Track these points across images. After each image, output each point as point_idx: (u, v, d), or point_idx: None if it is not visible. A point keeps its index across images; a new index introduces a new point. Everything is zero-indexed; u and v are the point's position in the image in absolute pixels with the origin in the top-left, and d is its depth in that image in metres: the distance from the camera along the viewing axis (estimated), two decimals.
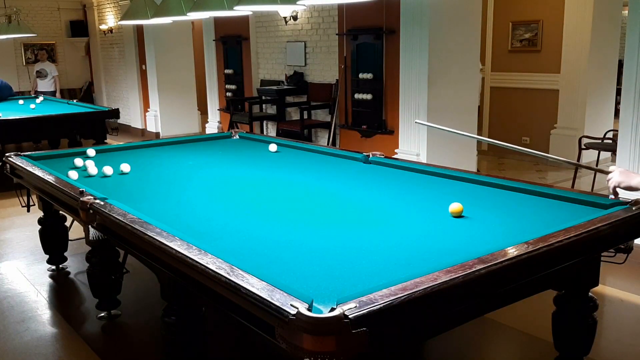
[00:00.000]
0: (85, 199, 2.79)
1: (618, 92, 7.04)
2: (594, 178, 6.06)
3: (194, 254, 2.02)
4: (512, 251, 2.01)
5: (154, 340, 3.13)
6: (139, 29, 10.48)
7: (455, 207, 2.54)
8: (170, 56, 10.20)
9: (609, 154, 6.35)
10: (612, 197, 2.44)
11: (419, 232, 2.44)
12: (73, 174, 3.44)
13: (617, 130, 4.95)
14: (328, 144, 7.24)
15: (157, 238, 2.22)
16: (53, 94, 10.50)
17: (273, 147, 4.25)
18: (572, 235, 2.17)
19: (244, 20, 8.35)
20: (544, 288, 2.38)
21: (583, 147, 5.95)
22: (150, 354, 3.10)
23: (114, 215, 2.56)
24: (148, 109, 10.72)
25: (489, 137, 8.24)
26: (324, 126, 7.48)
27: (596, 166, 6.09)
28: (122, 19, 5.39)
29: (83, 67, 13.22)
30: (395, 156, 5.40)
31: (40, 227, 4.21)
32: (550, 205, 2.69)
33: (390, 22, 6.27)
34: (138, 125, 11.19)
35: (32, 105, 8.11)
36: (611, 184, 2.40)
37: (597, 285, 2.61)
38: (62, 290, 4.07)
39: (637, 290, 3.78)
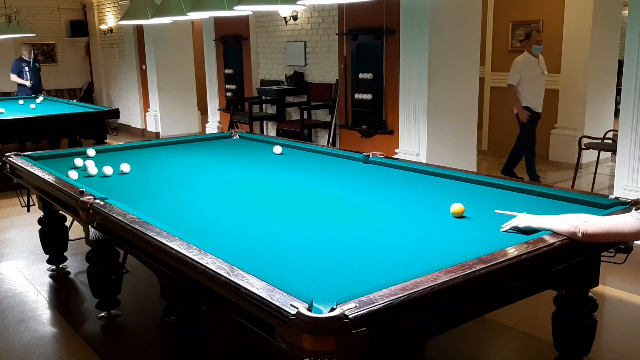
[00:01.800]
0: (85, 199, 2.79)
1: (618, 92, 7.04)
2: (594, 178, 6.07)
3: (194, 254, 2.02)
4: (512, 251, 2.01)
5: (154, 340, 3.13)
6: (139, 29, 10.48)
7: (456, 207, 2.54)
8: (170, 56, 10.19)
9: (609, 154, 6.35)
10: (503, 228, 2.38)
11: (419, 232, 2.44)
12: (73, 174, 3.44)
13: (617, 130, 4.95)
14: (328, 144, 7.24)
15: (157, 238, 2.22)
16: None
17: (278, 149, 4.24)
18: None
19: (244, 20, 8.35)
20: (544, 288, 2.38)
21: (583, 147, 5.95)
22: (150, 354, 3.10)
23: (113, 215, 2.56)
24: (148, 109, 10.72)
25: (488, 137, 8.28)
26: (324, 126, 7.48)
27: (596, 166, 6.12)
28: (122, 19, 5.39)
29: (83, 67, 13.21)
30: (395, 156, 5.40)
31: (40, 227, 4.21)
32: (550, 205, 2.69)
33: (390, 22, 6.27)
34: (138, 125, 11.19)
35: (32, 105, 8.11)
36: (513, 222, 2.35)
37: (597, 285, 2.61)
38: (62, 290, 4.07)
39: (637, 290, 3.78)
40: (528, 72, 6.23)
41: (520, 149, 6.49)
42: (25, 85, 9.90)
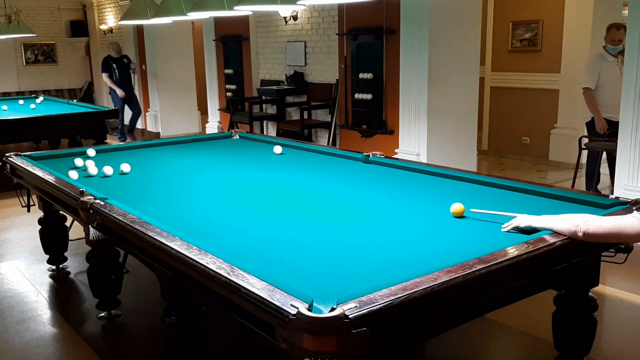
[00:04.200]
0: (85, 199, 2.79)
1: None
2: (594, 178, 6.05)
3: (194, 254, 2.02)
4: (512, 251, 2.01)
5: (154, 340, 3.13)
6: (139, 29, 10.48)
7: (456, 207, 2.54)
8: (170, 56, 10.19)
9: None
10: (504, 228, 2.40)
11: (419, 232, 2.44)
12: (73, 174, 3.44)
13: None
14: (328, 144, 7.24)
15: (157, 238, 2.22)
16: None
17: (278, 149, 4.24)
18: None
19: (244, 20, 8.35)
20: (544, 288, 2.38)
21: (583, 147, 5.94)
22: (150, 354, 3.10)
23: (114, 215, 2.56)
24: (148, 109, 10.72)
25: (488, 137, 8.28)
26: (324, 126, 7.48)
27: (598, 167, 6.10)
28: (122, 19, 5.39)
29: (83, 67, 13.22)
30: (395, 156, 5.40)
31: (40, 227, 4.21)
32: (550, 205, 2.69)
33: (390, 22, 6.27)
34: (138, 125, 11.17)
35: (32, 105, 8.12)
36: (514, 222, 2.35)
37: (597, 285, 2.61)
38: (62, 290, 4.07)
39: (637, 290, 3.78)
40: (603, 73, 5.39)
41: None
42: (115, 91, 9.39)
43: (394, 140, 6.39)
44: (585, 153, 5.82)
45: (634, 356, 3.06)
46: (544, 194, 2.86)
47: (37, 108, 7.89)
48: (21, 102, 8.76)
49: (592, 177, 5.67)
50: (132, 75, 9.77)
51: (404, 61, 6.04)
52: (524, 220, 2.30)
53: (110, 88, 9.60)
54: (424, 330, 1.93)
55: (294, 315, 1.54)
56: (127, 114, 9.76)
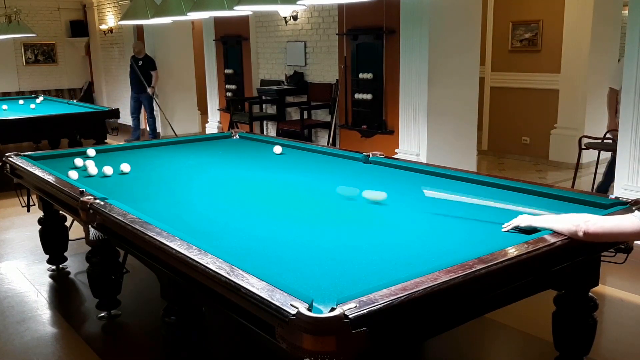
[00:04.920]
0: (85, 199, 2.79)
1: None
2: (594, 178, 6.06)
3: (194, 254, 2.02)
4: (512, 251, 2.01)
5: (154, 340, 3.13)
6: (139, 29, 10.47)
7: (374, 194, 2.56)
8: (170, 56, 10.19)
9: (609, 154, 6.34)
10: (505, 228, 2.40)
11: (419, 232, 2.44)
12: (73, 174, 3.44)
13: (617, 130, 4.94)
14: (328, 144, 7.24)
15: (157, 238, 2.22)
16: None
17: (278, 149, 4.24)
18: None
19: (244, 20, 8.35)
20: (544, 288, 2.38)
21: (583, 147, 5.94)
22: (150, 354, 3.10)
23: (114, 215, 2.56)
24: None
25: (488, 137, 8.28)
26: (324, 126, 7.48)
27: (596, 166, 6.10)
28: (122, 19, 5.39)
29: (83, 67, 13.21)
30: (395, 156, 5.40)
31: (40, 227, 4.21)
32: (550, 205, 2.69)
33: (390, 22, 6.27)
34: None
35: (32, 105, 8.12)
36: (514, 222, 2.35)
37: (597, 285, 2.61)
38: (62, 290, 4.07)
39: (637, 290, 3.78)
40: None
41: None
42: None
43: (393, 140, 6.39)
44: (588, 153, 5.81)
45: (634, 356, 3.06)
46: (544, 194, 2.86)
47: (37, 108, 7.89)
48: (21, 102, 8.75)
49: (611, 177, 5.60)
50: (145, 77, 9.57)
51: (404, 61, 6.04)
52: (524, 220, 2.30)
53: None
54: (424, 330, 1.93)
55: (293, 315, 1.54)
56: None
